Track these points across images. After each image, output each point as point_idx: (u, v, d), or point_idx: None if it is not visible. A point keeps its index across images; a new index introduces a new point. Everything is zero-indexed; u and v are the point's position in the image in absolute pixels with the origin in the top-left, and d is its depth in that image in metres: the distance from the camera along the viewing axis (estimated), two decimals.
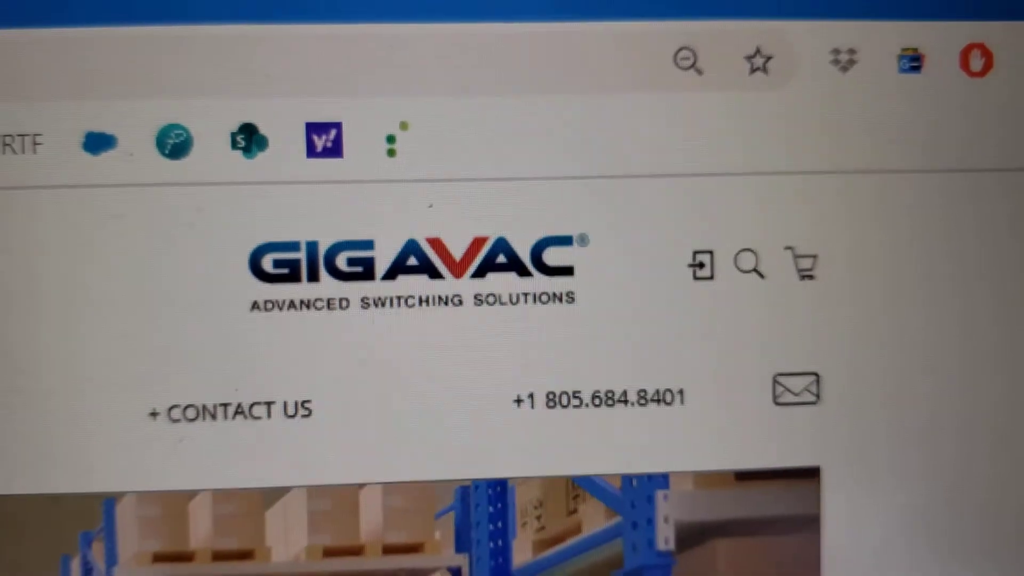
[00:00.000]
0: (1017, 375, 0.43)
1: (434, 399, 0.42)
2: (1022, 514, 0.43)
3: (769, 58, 0.41)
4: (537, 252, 0.42)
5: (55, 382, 0.41)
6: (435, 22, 0.41)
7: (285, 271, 0.41)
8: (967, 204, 0.41)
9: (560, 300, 0.42)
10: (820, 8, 0.41)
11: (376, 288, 0.42)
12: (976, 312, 0.42)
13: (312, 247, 0.41)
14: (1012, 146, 0.41)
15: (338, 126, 0.41)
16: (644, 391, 0.41)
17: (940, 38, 0.42)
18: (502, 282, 0.42)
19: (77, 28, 0.40)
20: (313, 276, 0.42)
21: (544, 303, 0.42)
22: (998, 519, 0.43)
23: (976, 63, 0.41)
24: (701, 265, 0.41)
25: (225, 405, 0.41)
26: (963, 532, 0.43)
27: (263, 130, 0.41)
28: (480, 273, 0.42)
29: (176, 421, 0.41)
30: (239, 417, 0.41)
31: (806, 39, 0.41)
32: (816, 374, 0.42)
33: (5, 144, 0.40)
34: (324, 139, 0.41)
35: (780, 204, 0.41)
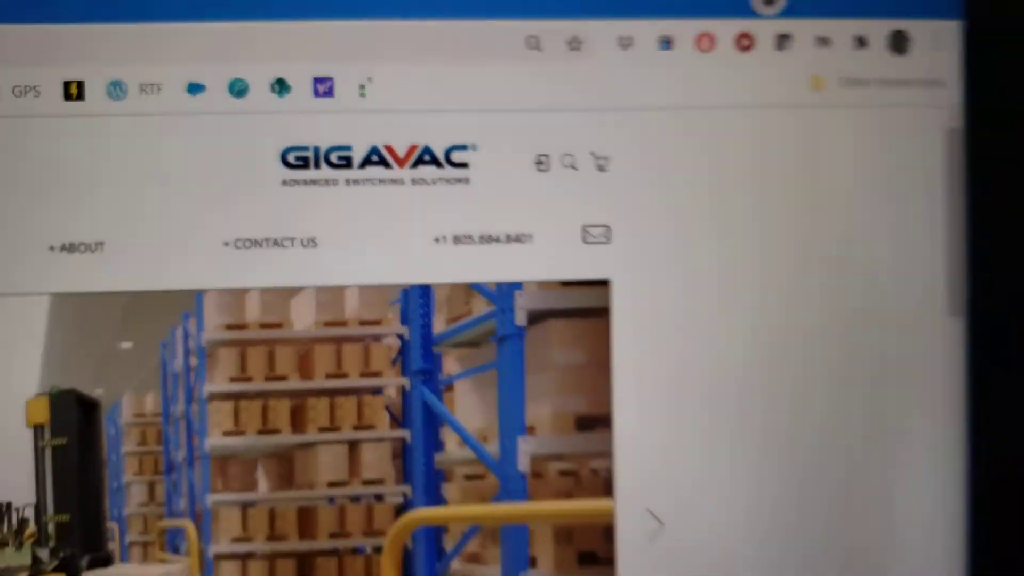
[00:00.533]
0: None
1: (390, 238, 0.57)
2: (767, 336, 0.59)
3: (581, 42, 0.59)
4: (447, 153, 0.58)
5: (171, 221, 0.56)
6: (385, 19, 0.58)
7: (302, 163, 0.57)
8: (711, 128, 0.59)
9: (461, 182, 0.58)
10: (611, 10, 0.59)
11: (353, 173, 0.57)
12: (721, 197, 0.59)
13: (316, 149, 0.57)
14: (718, 91, 0.59)
15: (331, 79, 0.57)
16: (510, 235, 0.58)
17: (682, 28, 0.59)
18: (427, 171, 0.57)
19: (188, 23, 0.56)
20: (317, 165, 0.57)
21: (452, 184, 0.58)
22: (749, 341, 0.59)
23: (705, 44, 0.60)
24: (541, 162, 0.59)
25: (267, 239, 0.57)
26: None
27: (289, 82, 0.57)
28: (415, 166, 0.57)
29: (239, 248, 0.57)
30: (276, 247, 0.57)
31: (600, 32, 0.58)
32: (607, 226, 0.59)
33: (142, 89, 0.57)
34: (324, 87, 0.57)
35: (586, 126, 0.58)
